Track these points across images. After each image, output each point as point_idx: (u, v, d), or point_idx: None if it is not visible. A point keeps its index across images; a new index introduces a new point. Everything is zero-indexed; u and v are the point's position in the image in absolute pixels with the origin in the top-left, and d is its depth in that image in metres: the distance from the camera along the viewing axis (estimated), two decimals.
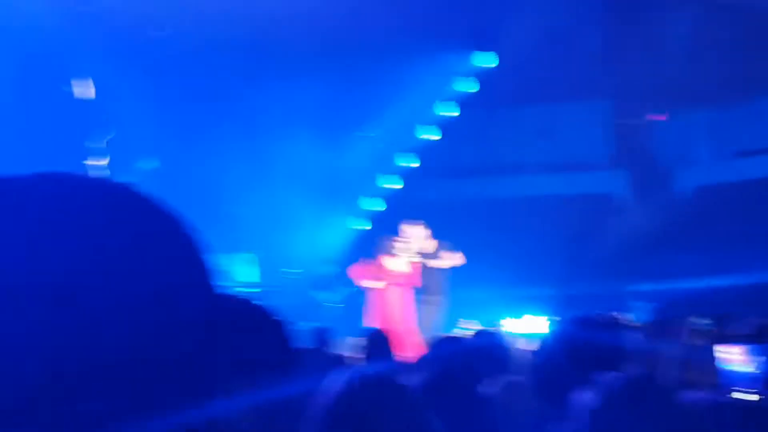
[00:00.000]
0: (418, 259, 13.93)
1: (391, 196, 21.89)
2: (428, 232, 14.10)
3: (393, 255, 13.85)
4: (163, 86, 19.38)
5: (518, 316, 17.13)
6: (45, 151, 16.49)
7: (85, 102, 18.85)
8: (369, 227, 21.25)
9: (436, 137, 21.80)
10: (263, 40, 19.44)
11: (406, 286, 13.82)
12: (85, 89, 18.54)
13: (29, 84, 18.03)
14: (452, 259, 14.04)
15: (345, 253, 20.21)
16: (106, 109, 18.83)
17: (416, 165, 21.97)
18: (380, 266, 13.84)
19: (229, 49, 19.45)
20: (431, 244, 14.05)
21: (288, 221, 19.98)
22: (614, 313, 10.61)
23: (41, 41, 17.99)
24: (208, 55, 19.50)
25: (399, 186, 22.00)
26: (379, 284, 13.78)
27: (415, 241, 13.96)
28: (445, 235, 14.44)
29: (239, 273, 20.31)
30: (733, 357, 4.94)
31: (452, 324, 14.10)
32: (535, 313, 17.06)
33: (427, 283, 13.95)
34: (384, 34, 19.46)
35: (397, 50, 19.68)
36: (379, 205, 21.88)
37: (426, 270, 13.96)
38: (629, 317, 11.31)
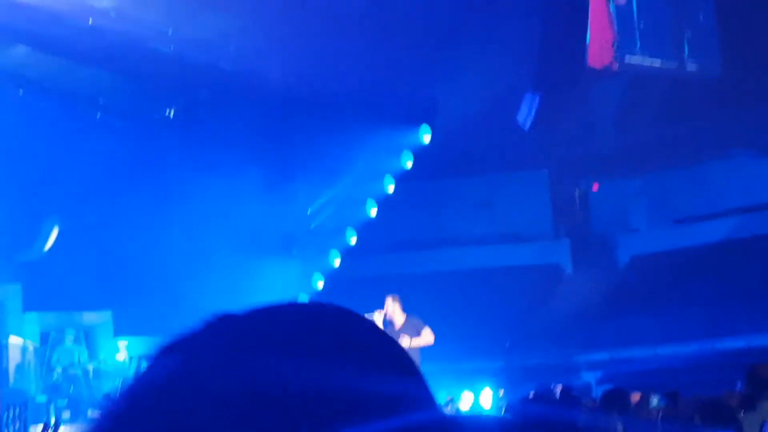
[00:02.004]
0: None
1: (331, 273, 21.82)
2: (398, 304, 14.02)
3: None
4: (104, 164, 19.33)
5: (467, 389, 17.03)
6: None
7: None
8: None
9: (375, 212, 21.81)
10: (202, 114, 19.47)
11: None
12: None
13: None
14: (422, 338, 13.90)
15: None
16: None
17: (356, 241, 21.94)
18: None
19: (173, 121, 19.47)
20: (400, 318, 13.95)
21: (232, 300, 19.81)
22: (563, 386, 10.59)
23: None
24: (149, 129, 19.50)
25: (338, 262, 21.94)
26: None
27: (383, 313, 13.87)
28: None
29: None
30: None
31: None
32: (483, 386, 16.98)
33: None
34: (321, 112, 19.56)
35: (334, 128, 19.78)
36: (321, 282, 21.81)
37: None
38: (580, 389, 11.28)
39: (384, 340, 1.10)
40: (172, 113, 19.49)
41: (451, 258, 23.01)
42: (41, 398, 18.32)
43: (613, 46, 21.11)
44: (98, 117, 19.39)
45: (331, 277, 21.74)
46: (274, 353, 1.03)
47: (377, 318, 13.79)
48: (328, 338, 1.06)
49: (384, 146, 20.97)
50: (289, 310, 1.10)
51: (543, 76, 20.61)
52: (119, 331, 20.18)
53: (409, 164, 21.42)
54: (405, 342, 13.70)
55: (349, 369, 1.03)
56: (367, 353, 1.06)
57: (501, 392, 16.94)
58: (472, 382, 17.29)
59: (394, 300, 14.04)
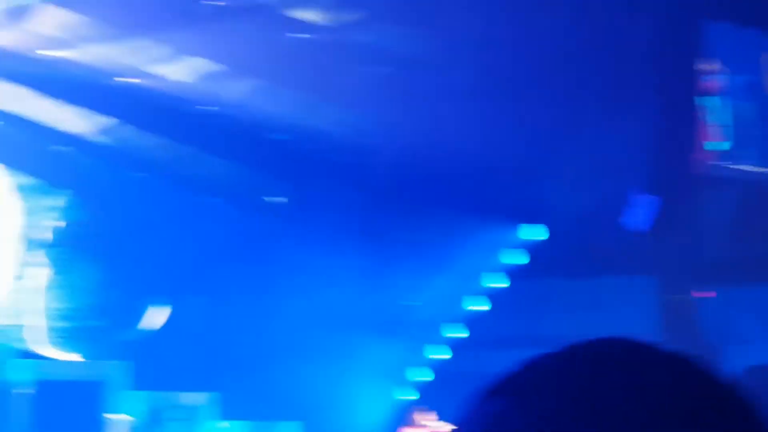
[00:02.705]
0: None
1: (439, 367, 21.68)
2: None
3: (416, 428, 13.69)
4: (201, 247, 19.65)
5: None
6: None
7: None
8: (416, 398, 21.00)
9: (485, 308, 21.71)
10: (310, 200, 19.70)
11: None
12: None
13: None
14: None
15: (392, 425, 19.94)
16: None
17: (465, 336, 21.82)
18: None
19: (280, 207, 19.73)
20: None
21: (334, 389, 19.80)
22: None
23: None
24: (257, 214, 19.79)
25: (447, 357, 21.80)
26: None
27: None
28: None
29: None
30: None
31: None
32: None
33: None
34: (432, 204, 19.64)
35: (445, 221, 19.83)
36: (427, 376, 21.67)
37: None
38: None
39: (734, 396, 1.04)
40: (280, 200, 19.78)
41: None
42: None
43: (726, 151, 20.88)
44: (210, 201, 19.76)
45: (434, 370, 21.60)
46: (595, 393, 1.00)
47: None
48: (662, 382, 1.01)
49: (494, 241, 20.93)
50: (613, 349, 1.07)
51: (656, 179, 20.42)
52: (223, 413, 20.26)
53: (518, 261, 21.34)
54: None
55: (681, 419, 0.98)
56: (705, 404, 1.01)
57: None
58: None
59: None
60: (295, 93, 17.86)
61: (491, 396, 1.07)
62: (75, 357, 20.31)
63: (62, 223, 20.30)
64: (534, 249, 21.18)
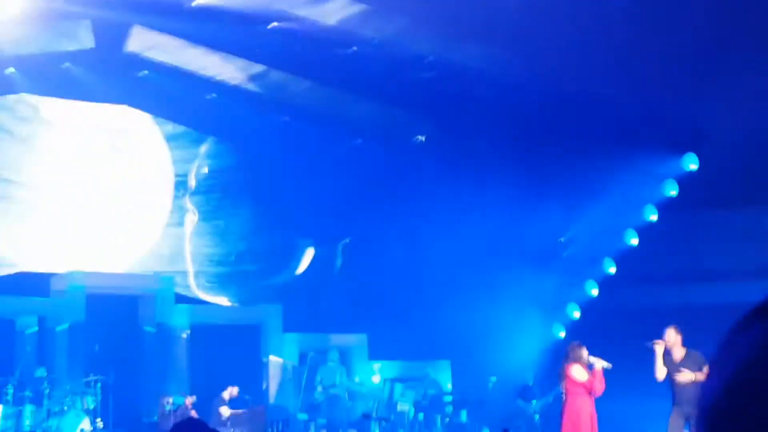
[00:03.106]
0: (601, 366, 13.51)
1: (588, 302, 21.37)
2: (679, 336, 13.57)
3: (578, 363, 13.47)
4: (363, 192, 19.70)
5: None
6: None
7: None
8: (566, 334, 20.79)
9: (636, 242, 21.25)
10: (454, 137, 19.50)
11: (590, 394, 13.42)
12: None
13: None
14: (705, 375, 13.26)
15: (542, 361, 19.80)
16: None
17: (614, 271, 21.42)
18: (566, 375, 13.52)
19: (425, 144, 19.61)
20: (680, 350, 13.49)
21: (484, 329, 19.72)
22: None
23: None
24: (406, 159, 19.72)
25: (596, 293, 21.47)
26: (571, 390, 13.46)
27: (664, 343, 13.45)
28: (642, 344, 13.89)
29: (437, 379, 20.13)
30: None
31: None
32: None
33: (680, 394, 13.32)
34: (581, 135, 19.25)
35: (595, 152, 19.40)
36: (577, 312, 21.40)
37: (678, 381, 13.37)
38: None
39: None
40: (423, 138, 19.66)
41: (713, 292, 22.07)
42: (302, 416, 18.74)
43: None
44: (358, 142, 19.78)
45: (588, 306, 21.29)
46: None
47: (658, 348, 13.39)
48: None
49: (647, 173, 20.41)
50: None
51: None
52: (373, 354, 20.41)
53: (672, 193, 20.80)
54: (687, 376, 13.23)
55: None
56: None
57: None
58: None
59: (677, 331, 13.60)
60: (438, 29, 17.63)
61: (752, 321, 0.99)
62: (228, 301, 20.70)
63: (212, 170, 20.60)
64: (688, 179, 20.60)
